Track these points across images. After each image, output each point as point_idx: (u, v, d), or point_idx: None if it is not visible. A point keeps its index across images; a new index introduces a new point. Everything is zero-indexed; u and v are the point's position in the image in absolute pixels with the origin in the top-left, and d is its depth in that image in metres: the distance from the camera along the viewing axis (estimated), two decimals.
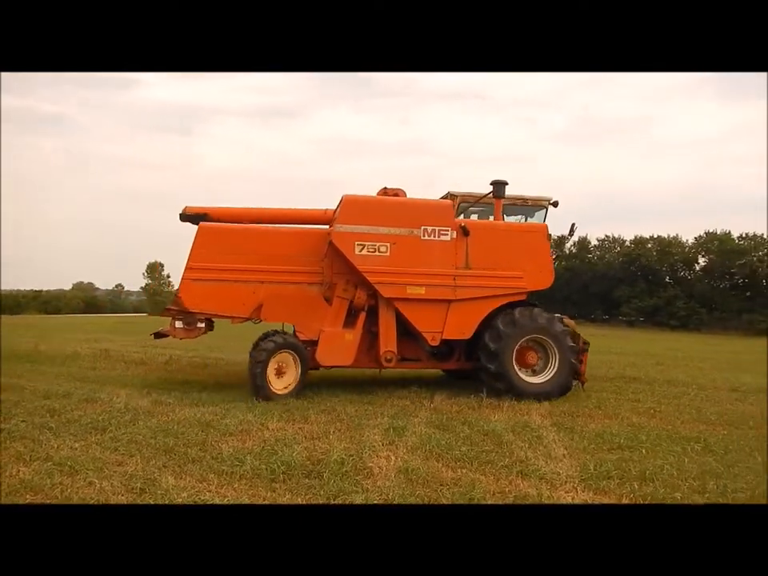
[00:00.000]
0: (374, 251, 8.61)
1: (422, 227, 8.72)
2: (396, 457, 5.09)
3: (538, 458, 5.19)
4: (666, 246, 56.74)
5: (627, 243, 61.50)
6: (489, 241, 9.01)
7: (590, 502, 4.17)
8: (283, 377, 8.46)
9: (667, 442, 5.85)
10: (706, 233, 55.66)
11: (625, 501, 4.19)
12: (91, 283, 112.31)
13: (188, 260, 8.63)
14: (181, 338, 8.94)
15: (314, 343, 8.72)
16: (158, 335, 9.41)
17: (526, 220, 10.26)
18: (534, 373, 8.91)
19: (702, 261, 56.50)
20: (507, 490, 4.36)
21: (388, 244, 8.63)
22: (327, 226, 9.05)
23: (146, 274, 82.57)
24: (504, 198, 9.54)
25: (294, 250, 8.91)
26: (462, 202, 9.96)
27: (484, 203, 9.90)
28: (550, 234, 9.51)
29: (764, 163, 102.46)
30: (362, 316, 8.84)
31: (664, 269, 56.93)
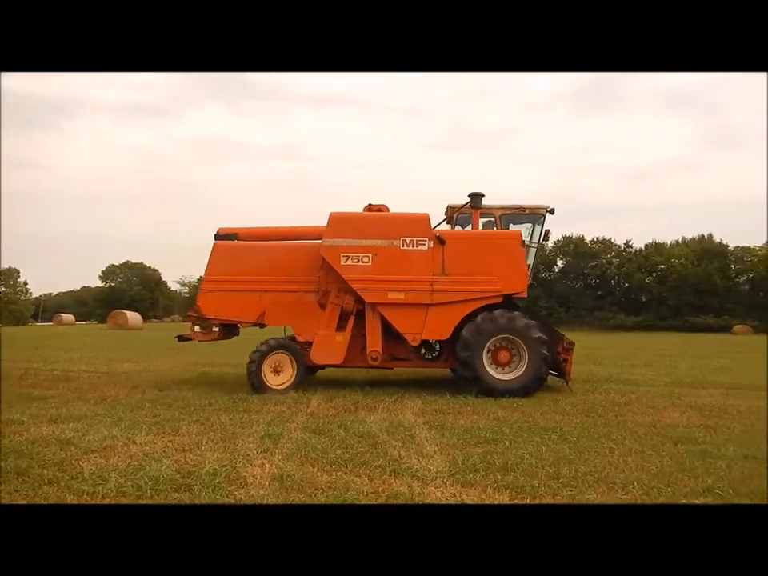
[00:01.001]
0: (358, 261, 9.61)
1: (401, 238, 9.63)
2: (271, 464, 5.05)
3: (410, 456, 5.38)
4: None
5: None
6: (464, 249, 9.80)
7: (457, 495, 4.38)
8: (280, 374, 9.72)
9: (528, 433, 6.29)
10: (563, 237, 60.26)
11: (489, 491, 4.43)
12: None
13: (205, 273, 10.25)
14: (200, 341, 10.40)
15: (311, 344, 9.84)
16: (182, 338, 10.62)
17: (533, 228, 10.84)
18: (508, 370, 9.49)
19: (560, 263, 61.01)
20: (380, 489, 4.47)
21: (370, 255, 9.60)
22: None
23: None
24: (481, 208, 10.43)
25: (293, 263, 10.14)
26: (459, 214, 10.83)
27: (484, 214, 10.71)
28: (524, 241, 10.23)
29: (611, 174, 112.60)
30: (351, 320, 9.87)
31: None
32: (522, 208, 10.80)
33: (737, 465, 5.04)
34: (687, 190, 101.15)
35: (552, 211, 10.83)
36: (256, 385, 9.52)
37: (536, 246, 10.88)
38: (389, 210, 10.48)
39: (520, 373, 9.36)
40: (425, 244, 9.61)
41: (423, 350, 10.60)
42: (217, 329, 10.25)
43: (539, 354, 9.31)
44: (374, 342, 9.81)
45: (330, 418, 7.23)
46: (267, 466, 5.00)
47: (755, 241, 62.28)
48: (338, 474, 4.87)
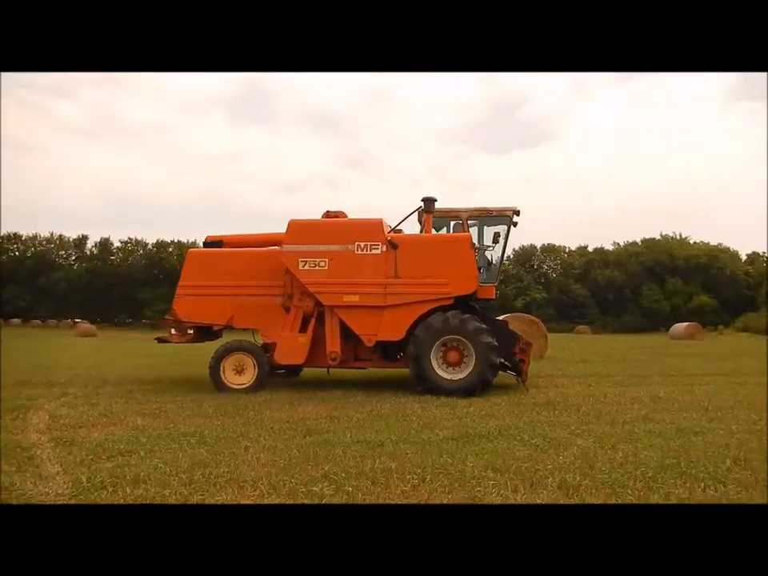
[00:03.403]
0: (315, 266, 10.10)
1: (356, 243, 10.10)
2: None
3: (25, 481, 4.73)
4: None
5: (150, 246, 62.33)
6: (415, 252, 10.19)
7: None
8: (243, 374, 10.32)
9: (166, 441, 6.12)
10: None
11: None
12: None
13: (180, 279, 10.88)
14: (175, 342, 11.10)
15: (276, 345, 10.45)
16: (161, 340, 11.30)
17: (508, 230, 11.06)
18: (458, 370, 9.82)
19: None
20: None
21: (326, 259, 10.11)
22: None
23: None
24: (434, 212, 10.73)
25: (261, 268, 10.69)
26: (433, 217, 10.89)
27: (452, 217, 11.21)
28: (474, 243, 10.60)
29: (263, 182, 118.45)
30: (312, 322, 10.41)
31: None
32: (488, 211, 11.08)
33: (350, 449, 5.74)
34: (331, 204, 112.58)
35: (518, 213, 11.00)
36: (216, 384, 10.22)
37: (504, 246, 11.23)
38: (346, 217, 10.95)
39: (466, 373, 9.71)
40: (378, 248, 10.05)
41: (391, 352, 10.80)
42: (191, 331, 10.86)
43: (486, 359, 9.64)
44: (333, 342, 10.27)
45: None
46: None
47: None
48: None
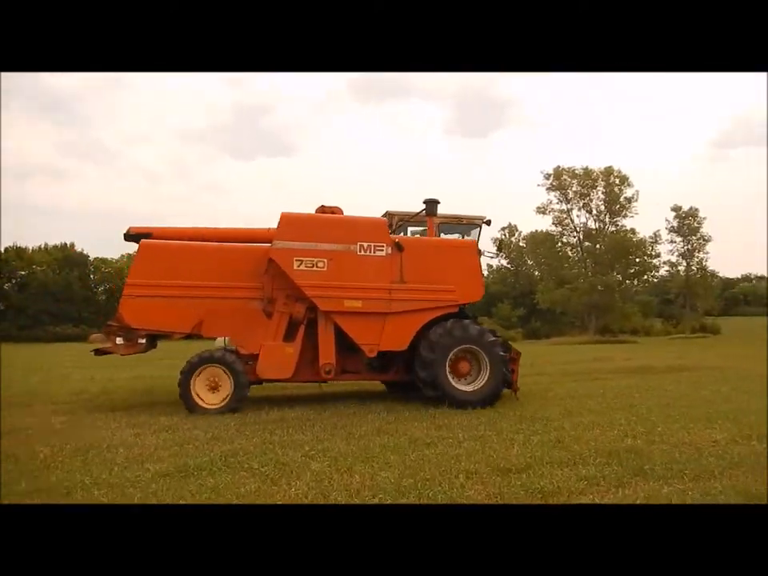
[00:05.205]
0: (312, 266, 8.90)
1: (359, 243, 9.08)
2: None
3: None
4: None
5: None
6: (422, 256, 9.41)
7: None
8: (218, 391, 8.82)
9: None
10: None
11: None
12: None
13: (128, 276, 9.02)
14: (122, 354, 9.03)
15: (255, 357, 8.98)
16: (99, 352, 9.16)
17: (478, 238, 10.62)
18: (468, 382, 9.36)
19: None
20: None
21: (325, 259, 8.96)
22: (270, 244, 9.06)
23: None
24: (436, 215, 10.00)
25: (234, 267, 9.13)
26: (399, 221, 10.44)
27: (421, 223, 10.36)
28: (480, 249, 10.03)
29: None
30: (302, 329, 9.14)
31: None
32: (459, 218, 10.64)
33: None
34: (54, 196, 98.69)
35: (489, 222, 10.67)
36: (186, 404, 8.72)
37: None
38: (342, 212, 9.86)
39: (478, 386, 9.29)
40: (383, 250, 9.16)
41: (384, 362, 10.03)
42: (143, 340, 8.93)
43: (499, 371, 9.28)
44: (328, 353, 9.19)
45: None
46: None
47: (112, 253, 65.82)
48: None
